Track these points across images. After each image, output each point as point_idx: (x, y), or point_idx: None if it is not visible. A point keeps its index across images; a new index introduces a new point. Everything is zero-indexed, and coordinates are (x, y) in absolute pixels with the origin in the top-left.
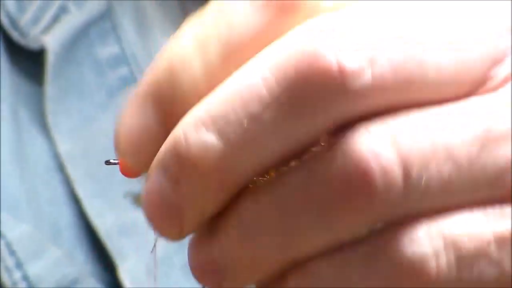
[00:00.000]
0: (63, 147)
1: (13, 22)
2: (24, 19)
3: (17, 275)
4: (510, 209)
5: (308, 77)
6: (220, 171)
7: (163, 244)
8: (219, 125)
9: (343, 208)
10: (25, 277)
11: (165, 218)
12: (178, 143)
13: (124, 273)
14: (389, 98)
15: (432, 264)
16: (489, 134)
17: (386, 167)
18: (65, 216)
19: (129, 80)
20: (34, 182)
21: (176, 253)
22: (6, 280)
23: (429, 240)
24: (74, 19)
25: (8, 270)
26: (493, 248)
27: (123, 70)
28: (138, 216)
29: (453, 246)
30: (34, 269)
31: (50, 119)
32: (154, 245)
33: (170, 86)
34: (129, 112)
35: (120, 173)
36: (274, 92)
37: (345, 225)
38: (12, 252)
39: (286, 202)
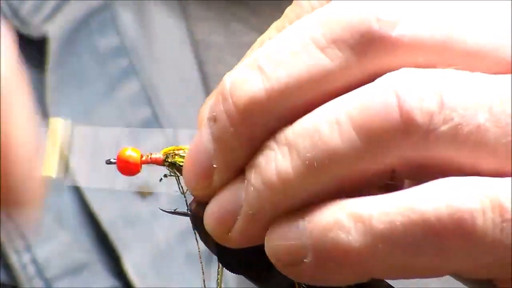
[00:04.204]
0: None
1: (14, 11)
2: (25, 8)
3: (26, 257)
4: None
5: (353, 31)
6: (257, 105)
7: (165, 236)
8: (261, 62)
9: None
10: (34, 260)
11: (197, 170)
12: (223, 83)
13: (128, 263)
14: (428, 55)
15: (479, 220)
16: None
17: (426, 108)
18: (68, 204)
19: (129, 72)
20: None
21: (178, 245)
22: (14, 262)
23: (477, 196)
24: (75, 9)
25: (17, 252)
26: None
27: (123, 61)
28: (142, 208)
29: (499, 208)
30: (43, 252)
31: (51, 108)
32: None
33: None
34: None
35: (119, 172)
36: (317, 37)
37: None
38: (22, 235)
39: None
